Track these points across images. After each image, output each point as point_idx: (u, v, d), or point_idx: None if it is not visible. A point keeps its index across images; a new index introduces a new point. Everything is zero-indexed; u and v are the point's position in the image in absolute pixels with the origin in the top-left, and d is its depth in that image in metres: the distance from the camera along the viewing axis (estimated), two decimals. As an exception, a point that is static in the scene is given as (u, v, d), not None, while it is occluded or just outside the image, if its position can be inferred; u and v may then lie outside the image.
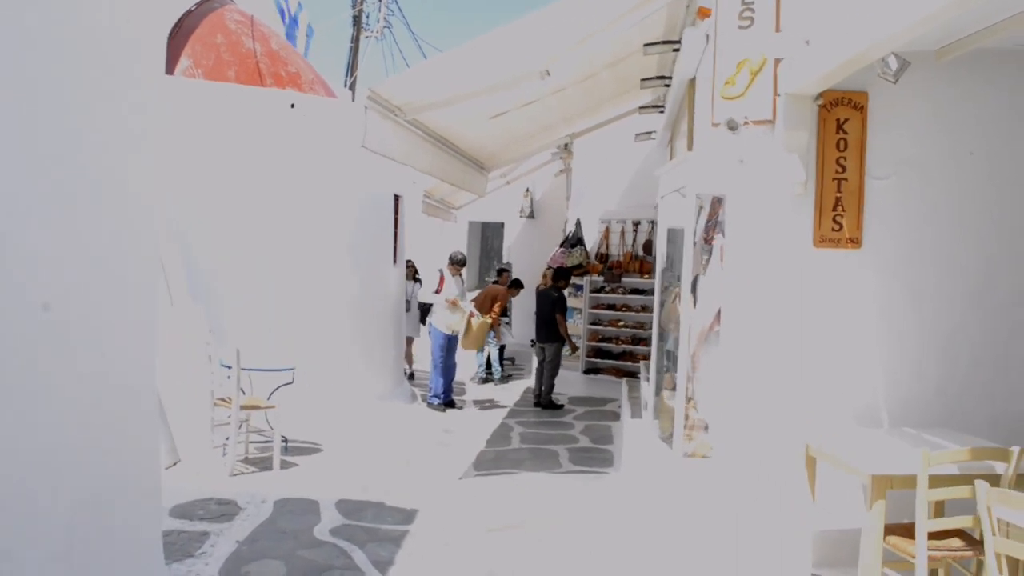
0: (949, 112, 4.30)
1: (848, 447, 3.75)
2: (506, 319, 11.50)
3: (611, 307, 11.43)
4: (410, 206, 11.09)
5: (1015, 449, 3.36)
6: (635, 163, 11.36)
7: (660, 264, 6.40)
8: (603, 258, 11.61)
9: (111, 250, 3.18)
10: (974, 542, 3.45)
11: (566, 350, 10.08)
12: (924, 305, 4.34)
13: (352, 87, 14.95)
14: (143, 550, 3.65)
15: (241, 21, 9.07)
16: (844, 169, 4.27)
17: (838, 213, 4.28)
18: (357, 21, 15.68)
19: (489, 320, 9.92)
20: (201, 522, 5.19)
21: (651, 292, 10.69)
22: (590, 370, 11.29)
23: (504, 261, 12.93)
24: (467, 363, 11.33)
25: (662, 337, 6.01)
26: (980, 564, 3.39)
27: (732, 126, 4.20)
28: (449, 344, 9.54)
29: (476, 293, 11.29)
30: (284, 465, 6.55)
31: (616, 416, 9.29)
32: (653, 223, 11.18)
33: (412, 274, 11.59)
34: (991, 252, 4.34)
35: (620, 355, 11.23)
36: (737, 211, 4.40)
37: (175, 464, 6.39)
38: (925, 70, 4.08)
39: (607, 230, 11.72)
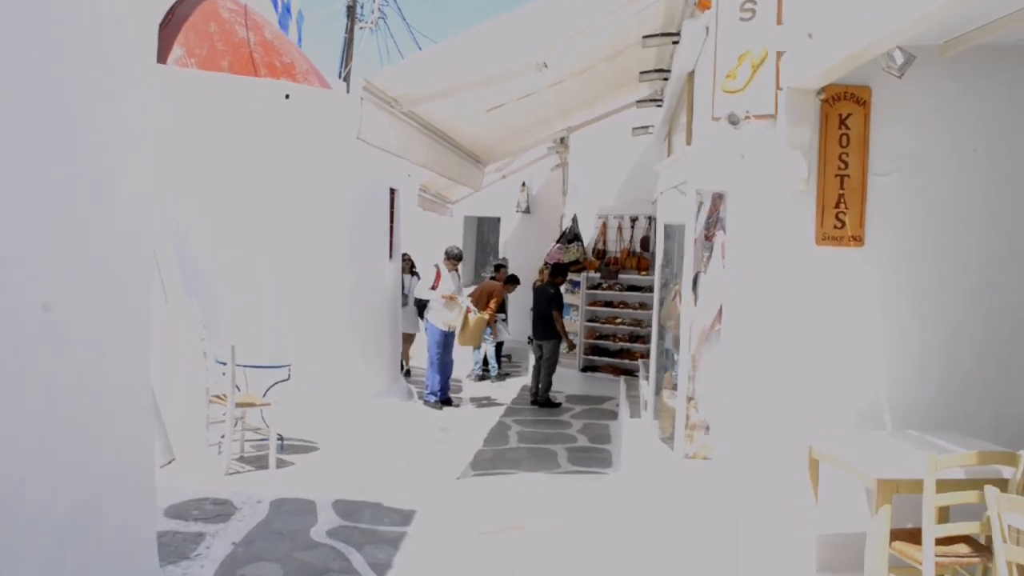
0: (951, 108, 4.24)
1: (852, 450, 3.70)
2: (503, 316, 11.43)
3: (608, 304, 11.37)
4: (406, 200, 11.02)
5: (1023, 453, 3.30)
6: (632, 158, 11.29)
7: (659, 261, 6.33)
8: (600, 254, 11.55)
9: (110, 250, 3.18)
10: (981, 548, 3.40)
11: (563, 347, 10.02)
12: (926, 303, 4.28)
13: (347, 79, 14.84)
14: (138, 551, 3.62)
15: (235, 10, 8.97)
16: (847, 165, 4.21)
17: (840, 210, 4.22)
18: (351, 11, 15.56)
19: (486, 316, 9.85)
20: (196, 523, 5.13)
21: (649, 289, 10.66)
22: (587, 368, 11.25)
23: (500, 256, 12.86)
24: (464, 360, 11.27)
25: (661, 335, 5.95)
26: (987, 570, 3.34)
27: (733, 120, 4.14)
28: (446, 341, 9.47)
29: (472, 288, 11.23)
30: (280, 464, 6.49)
31: (614, 415, 9.23)
32: (651, 219, 11.13)
33: (409, 268, 11.52)
34: (993, 249, 4.29)
35: (618, 353, 11.17)
36: (738, 208, 4.35)
37: (170, 463, 6.32)
38: (928, 65, 4.02)
39: (604, 226, 11.65)
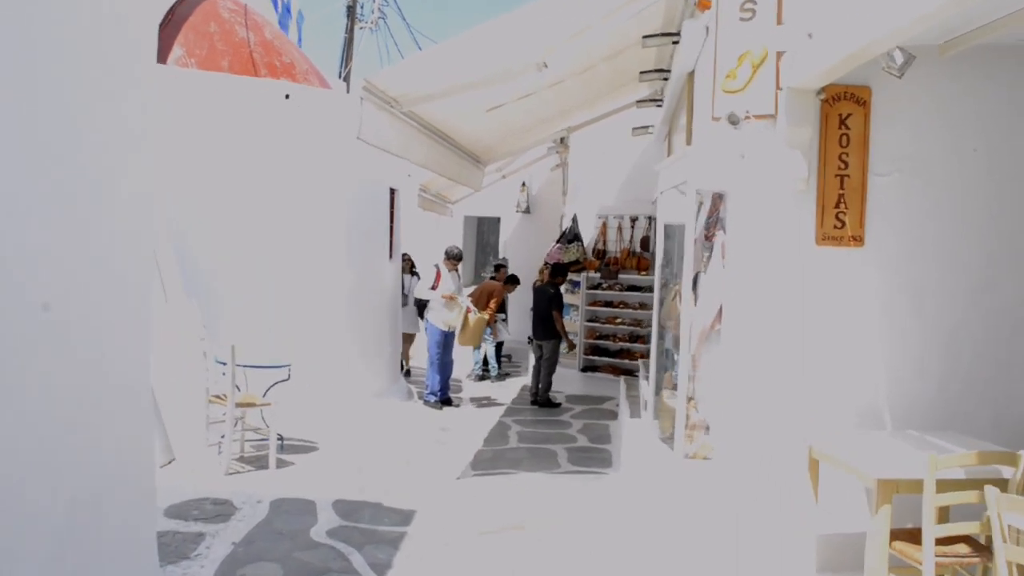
0: (951, 108, 4.24)
1: (853, 450, 3.70)
2: (503, 316, 11.43)
3: (608, 304, 11.37)
4: (406, 200, 11.02)
5: (1023, 453, 3.30)
6: (632, 158, 11.29)
7: (659, 261, 6.33)
8: (600, 254, 11.54)
9: (110, 250, 3.18)
10: (981, 548, 3.40)
11: (563, 347, 10.01)
12: (926, 302, 4.28)
13: (347, 79, 14.83)
14: (138, 551, 3.62)
15: (234, 10, 8.97)
16: (847, 165, 4.21)
17: (840, 210, 4.21)
18: (351, 11, 15.56)
19: (486, 316, 9.85)
20: (196, 523, 5.13)
21: (649, 289, 10.66)
22: (587, 368, 11.24)
23: (500, 256, 12.86)
24: (464, 360, 11.27)
25: (661, 335, 5.95)
26: (987, 570, 3.34)
27: (733, 120, 4.14)
28: (446, 341, 9.46)
29: (472, 288, 11.22)
30: (280, 464, 6.49)
31: (614, 415, 9.23)
32: (650, 219, 11.13)
33: (409, 268, 11.51)
34: (993, 249, 4.29)
35: (618, 353, 11.17)
36: (738, 208, 4.35)
37: (170, 463, 6.32)
38: (928, 65, 4.02)
39: (604, 225, 11.65)
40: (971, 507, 3.27)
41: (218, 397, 6.42)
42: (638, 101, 9.50)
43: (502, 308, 11.27)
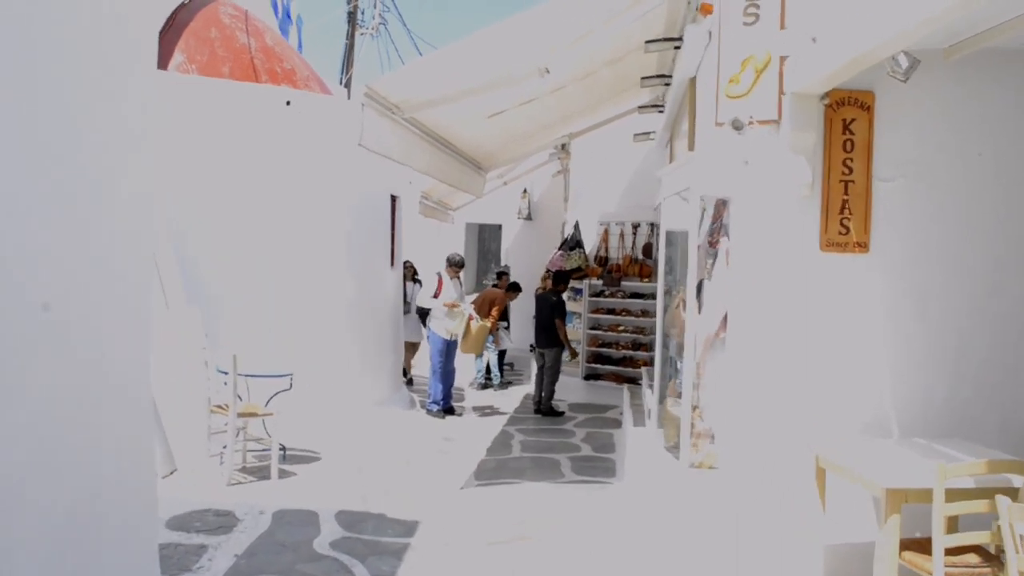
0: (956, 112, 4.20)
1: (860, 459, 3.65)
2: (505, 324, 11.39)
3: (611, 311, 11.31)
4: (407, 207, 10.99)
5: (1033, 461, 3.27)
6: (634, 164, 11.25)
7: (662, 268, 6.30)
8: (602, 261, 11.49)
9: (110, 250, 3.16)
10: (991, 557, 3.36)
11: (566, 355, 9.97)
12: (932, 308, 4.24)
13: (347, 85, 14.83)
14: (140, 563, 3.56)
15: (235, 16, 8.96)
16: (851, 171, 4.17)
17: (845, 216, 4.18)
18: (352, 18, 15.56)
19: (488, 324, 9.82)
20: (199, 534, 5.10)
21: (651, 296, 10.63)
22: (590, 376, 11.18)
23: (502, 264, 12.84)
24: (466, 369, 11.23)
25: (665, 343, 5.91)
26: (998, 579, 3.30)
27: (737, 126, 4.11)
28: (448, 349, 9.43)
29: (474, 296, 11.19)
30: (282, 474, 6.46)
31: (617, 423, 9.19)
32: (653, 225, 11.08)
33: (412, 275, 11.48)
34: (1000, 253, 4.25)
35: (620, 361, 11.11)
36: (742, 214, 4.31)
37: (172, 473, 6.28)
38: (932, 69, 3.98)
39: (606, 232, 11.61)
40: (979, 516, 3.23)
41: (220, 407, 6.39)
42: (640, 107, 9.47)
43: (504, 316, 11.24)
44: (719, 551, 4.23)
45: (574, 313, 11.22)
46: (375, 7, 16.03)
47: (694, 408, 4.68)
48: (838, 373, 4.22)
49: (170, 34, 8.32)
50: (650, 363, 9.51)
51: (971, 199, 4.20)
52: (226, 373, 6.18)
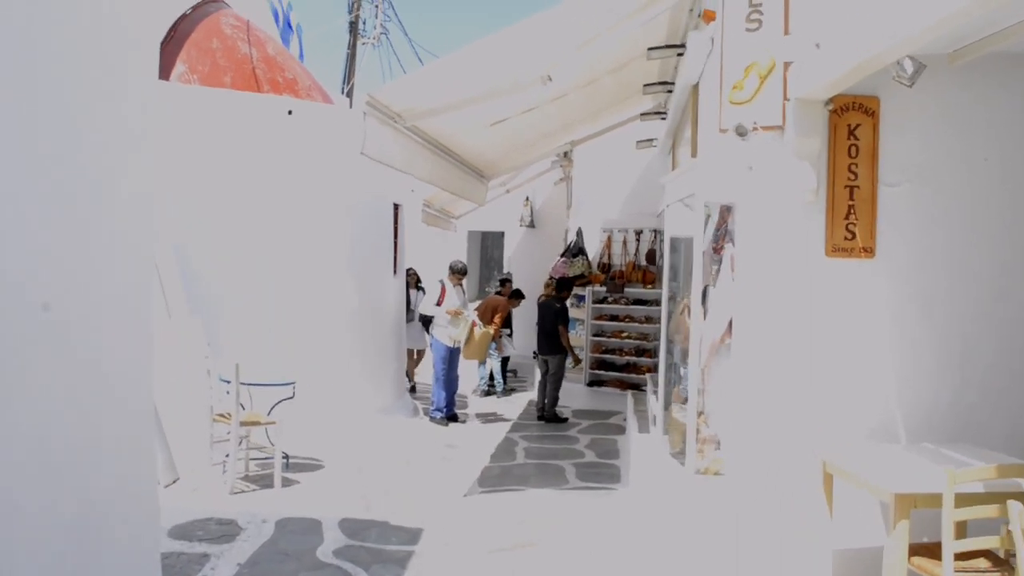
0: (962, 116, 4.19)
1: (868, 464, 3.63)
2: (508, 331, 11.38)
3: (614, 318, 11.31)
4: (410, 215, 11.00)
5: (1043, 465, 3.24)
6: (636, 171, 11.28)
7: (666, 274, 6.29)
8: (605, 268, 11.50)
9: (110, 250, 3.14)
10: (1000, 562, 3.33)
11: (569, 362, 9.95)
12: (938, 313, 4.22)
13: (349, 94, 14.88)
14: (142, 572, 3.54)
15: (237, 26, 8.98)
16: (856, 176, 4.16)
17: (851, 221, 4.17)
18: (354, 27, 15.63)
19: (491, 331, 9.82)
20: (201, 543, 5.07)
21: (655, 303, 10.62)
22: (593, 382, 11.17)
23: (505, 271, 12.84)
24: (469, 376, 11.22)
25: (670, 350, 5.90)
26: (1008, 585, 3.27)
27: (741, 132, 4.11)
28: (451, 357, 9.43)
29: (477, 303, 11.19)
30: (285, 482, 6.43)
31: (621, 430, 9.16)
32: (656, 232, 11.10)
33: (415, 282, 11.48)
34: (1006, 259, 4.23)
35: (624, 367, 11.10)
36: (747, 220, 4.30)
37: (174, 482, 6.26)
38: (937, 74, 3.97)
39: (609, 239, 11.62)
40: (988, 521, 3.20)
41: (222, 415, 6.37)
42: (642, 114, 9.49)
43: (507, 323, 11.24)
44: (726, 558, 4.20)
45: (577, 320, 11.23)
46: (376, 17, 16.10)
47: (699, 414, 4.66)
48: (844, 378, 4.20)
49: (172, 45, 8.34)
50: (654, 369, 9.51)
51: (977, 204, 4.18)
52: (228, 382, 6.17)
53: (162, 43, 8.08)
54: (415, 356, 11.73)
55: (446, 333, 9.37)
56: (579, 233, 11.65)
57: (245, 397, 6.38)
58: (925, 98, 4.08)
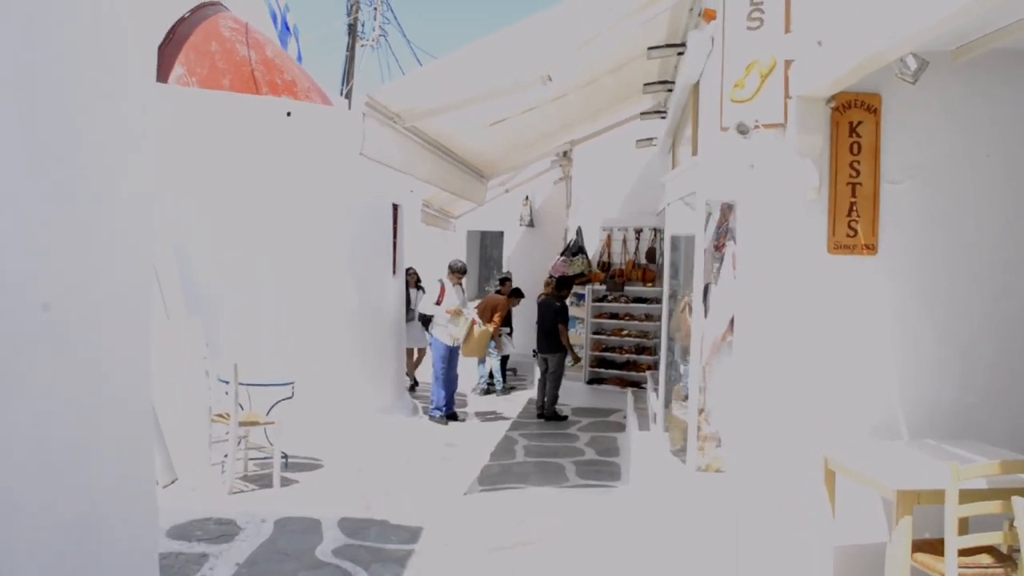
0: (964, 113, 4.18)
1: (870, 461, 3.63)
2: (507, 329, 11.39)
3: (614, 316, 11.33)
4: (409, 215, 10.99)
5: (1047, 462, 3.24)
6: (636, 170, 11.28)
7: (667, 272, 6.28)
8: (605, 266, 11.52)
9: (110, 250, 3.14)
10: (1004, 558, 3.33)
11: (568, 360, 9.95)
12: (940, 310, 4.22)
13: (348, 95, 14.87)
14: (141, 572, 3.53)
15: (236, 28, 8.97)
16: (858, 173, 4.16)
17: (853, 219, 4.16)
18: (352, 29, 15.62)
19: (490, 329, 9.81)
20: (200, 543, 5.06)
21: (655, 301, 10.63)
22: (593, 380, 11.18)
23: (504, 270, 12.84)
24: (469, 374, 11.22)
25: (671, 347, 5.89)
26: (1012, 581, 3.26)
27: (742, 130, 4.10)
28: (450, 356, 9.42)
29: (476, 302, 11.19)
30: (284, 482, 6.42)
31: (621, 427, 9.16)
32: (655, 230, 11.11)
33: (415, 282, 11.48)
34: (1008, 256, 4.22)
35: (624, 365, 11.11)
36: (749, 218, 4.29)
37: (172, 482, 6.25)
38: (940, 71, 3.96)
39: (608, 238, 11.63)
40: (990, 517, 3.20)
41: (221, 416, 6.36)
42: (642, 113, 9.48)
43: (507, 322, 11.24)
44: (727, 555, 4.19)
45: (577, 318, 11.23)
46: (375, 19, 16.09)
47: (700, 411, 4.65)
48: (846, 376, 4.19)
49: (170, 47, 8.32)
50: (654, 367, 9.51)
51: (980, 201, 4.17)
52: (227, 382, 6.15)
53: (160, 46, 8.07)
54: (415, 355, 11.73)
55: (446, 332, 9.36)
56: (579, 232, 11.66)
57: (244, 397, 6.37)
58: (928, 95, 4.07)
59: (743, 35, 4.15)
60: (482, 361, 11.29)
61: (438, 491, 6.54)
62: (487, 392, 11.51)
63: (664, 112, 8.59)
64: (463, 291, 9.85)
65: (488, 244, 16.72)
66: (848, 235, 4.14)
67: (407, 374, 11.12)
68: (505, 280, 11.23)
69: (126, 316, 3.28)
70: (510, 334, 11.57)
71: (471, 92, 6.31)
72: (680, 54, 6.17)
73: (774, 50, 4.07)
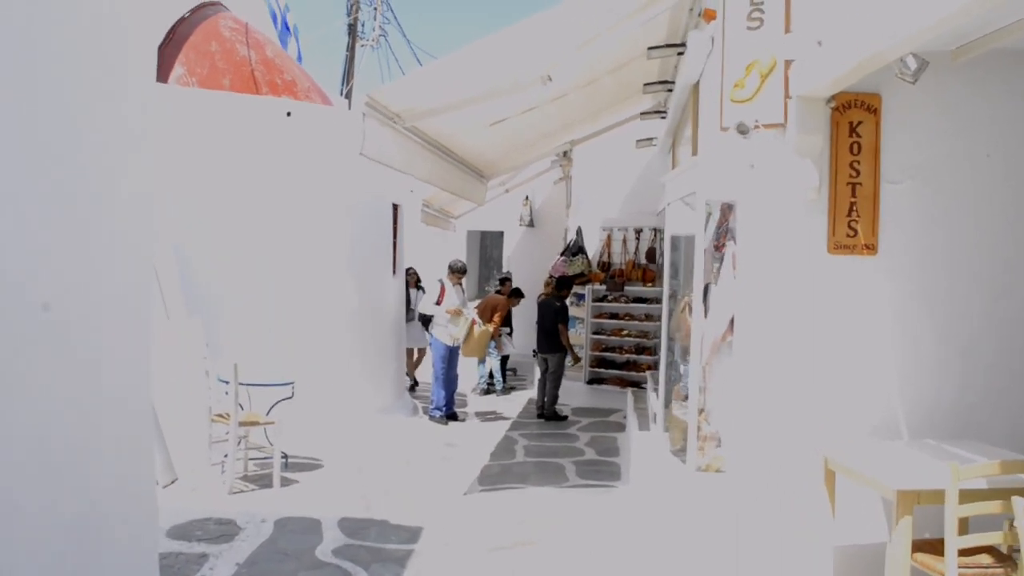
0: (964, 113, 4.18)
1: (870, 461, 3.63)
2: (507, 329, 11.39)
3: (614, 316, 11.34)
4: (409, 215, 10.99)
5: (1047, 462, 3.24)
6: (636, 170, 11.29)
7: (667, 272, 6.28)
8: (605, 266, 11.52)
9: (110, 250, 3.14)
10: (1003, 558, 3.33)
11: (568, 360, 9.95)
12: (940, 310, 4.22)
13: (348, 95, 14.87)
14: (141, 572, 3.53)
15: (236, 28, 8.97)
16: (858, 173, 4.16)
17: (853, 219, 4.16)
18: (352, 29, 15.62)
19: (490, 329, 9.81)
20: (200, 543, 5.06)
21: (654, 301, 10.63)
22: (593, 380, 11.18)
23: (504, 270, 12.86)
24: (469, 374, 11.22)
25: (671, 347, 5.89)
26: (1012, 581, 3.26)
27: (743, 130, 4.10)
28: (450, 356, 9.42)
29: (476, 302, 11.19)
30: (284, 482, 6.42)
31: (621, 427, 9.16)
32: (655, 230, 11.11)
33: (415, 282, 11.48)
34: (1008, 256, 4.22)
35: (624, 365, 11.11)
36: (749, 217, 4.29)
37: (172, 482, 6.25)
38: (940, 71, 3.96)
39: (608, 238, 11.64)
40: (990, 517, 3.20)
41: (221, 416, 6.36)
42: (642, 113, 9.48)
43: (507, 322, 11.25)
44: (727, 555, 4.19)
45: (577, 318, 11.24)
46: (375, 19, 16.09)
47: (700, 411, 4.65)
48: (846, 375, 4.19)
49: (170, 47, 8.32)
50: (654, 367, 9.51)
51: (980, 201, 4.17)
52: (227, 382, 6.15)
53: (160, 46, 8.07)
54: (415, 355, 11.73)
55: (446, 332, 9.36)
56: (579, 232, 11.66)
57: (244, 397, 6.37)
58: (927, 95, 4.07)
59: (743, 35, 4.15)
60: (482, 361, 11.28)
61: (438, 491, 6.54)
62: (487, 392, 11.51)
63: (664, 112, 8.59)
64: (463, 291, 9.85)
65: (488, 244, 16.72)
66: (848, 235, 4.14)
67: (407, 374, 11.12)
68: (505, 280, 11.23)
69: (126, 316, 3.28)
70: (510, 334, 11.57)
71: (471, 92, 6.31)
72: (680, 54, 6.17)
73: (774, 50, 4.07)
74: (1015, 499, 2.85)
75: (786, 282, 4.19)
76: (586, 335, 11.28)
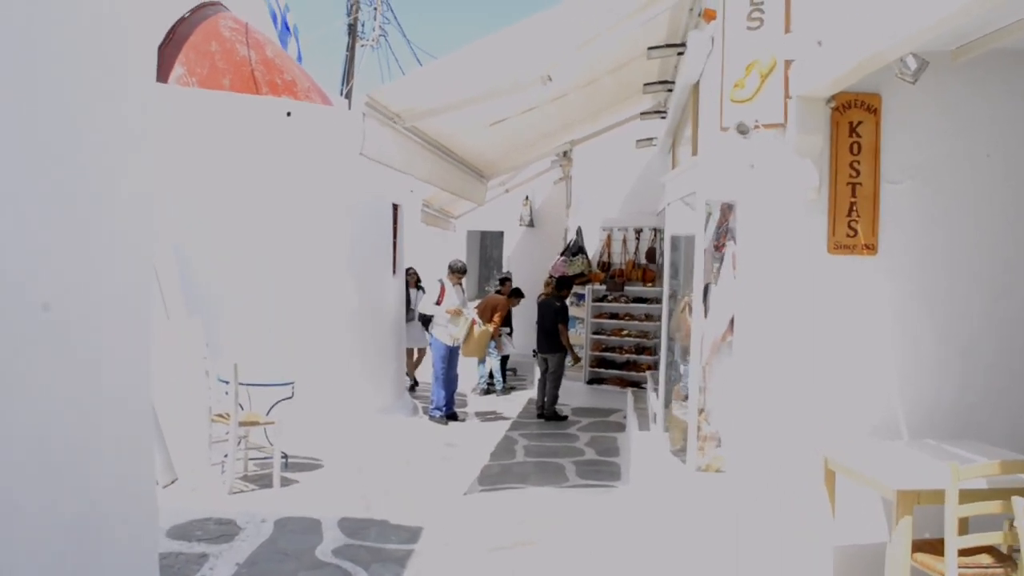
0: (964, 113, 4.18)
1: (870, 461, 3.63)
2: (507, 329, 11.39)
3: (614, 316, 11.34)
4: (409, 215, 11.00)
5: (1047, 462, 3.24)
6: (636, 170, 11.29)
7: (667, 272, 6.28)
8: (605, 266, 11.52)
9: (110, 250, 3.14)
10: (1003, 558, 3.33)
11: (568, 360, 9.95)
12: (940, 310, 4.22)
13: (348, 95, 14.87)
14: (141, 572, 3.53)
15: (236, 28, 8.97)
16: (858, 173, 4.16)
17: (853, 219, 4.16)
18: (352, 29, 15.62)
19: (490, 329, 9.81)
20: (200, 543, 5.06)
21: (655, 300, 10.63)
22: (593, 380, 11.19)
23: (504, 270, 12.87)
24: (469, 374, 11.22)
25: (671, 347, 5.89)
26: (1012, 581, 3.26)
27: (742, 130, 4.10)
28: (450, 356, 9.42)
29: (476, 302, 11.19)
30: (284, 482, 6.42)
31: (621, 427, 9.16)
32: (655, 230, 11.11)
33: (415, 282, 11.48)
34: (1008, 256, 4.22)
35: (624, 365, 11.11)
36: (749, 217, 4.29)
37: (172, 482, 6.25)
38: (940, 71, 3.96)
39: (609, 238, 11.64)
40: (990, 517, 3.20)
41: (221, 416, 6.36)
42: (642, 113, 9.48)
43: (507, 322, 11.24)
44: (727, 555, 4.19)
45: (577, 318, 11.24)
46: (375, 19, 16.10)
47: (700, 411, 4.65)
48: (846, 375, 4.19)
49: (170, 47, 8.32)
50: (654, 367, 9.51)
51: (980, 201, 4.17)
52: (227, 382, 6.15)
53: (160, 46, 8.07)
54: (415, 355, 11.73)
55: (446, 332, 9.36)
56: (579, 232, 11.66)
57: (244, 397, 6.37)
58: (927, 95, 4.07)
59: (743, 35, 4.15)
60: (482, 361, 11.28)
61: (438, 491, 6.54)
62: (487, 392, 11.51)
63: (664, 112, 8.59)
64: (463, 291, 9.85)
65: (488, 244, 16.72)
66: (848, 235, 4.14)
67: (407, 374, 11.12)
68: (505, 280, 11.24)
69: (126, 316, 3.28)
70: (510, 334, 11.57)
71: (471, 92, 6.31)
72: (680, 54, 6.17)
73: (774, 50, 4.07)
74: (1015, 499, 2.85)
75: (786, 282, 4.19)
76: (586, 335, 11.28)
